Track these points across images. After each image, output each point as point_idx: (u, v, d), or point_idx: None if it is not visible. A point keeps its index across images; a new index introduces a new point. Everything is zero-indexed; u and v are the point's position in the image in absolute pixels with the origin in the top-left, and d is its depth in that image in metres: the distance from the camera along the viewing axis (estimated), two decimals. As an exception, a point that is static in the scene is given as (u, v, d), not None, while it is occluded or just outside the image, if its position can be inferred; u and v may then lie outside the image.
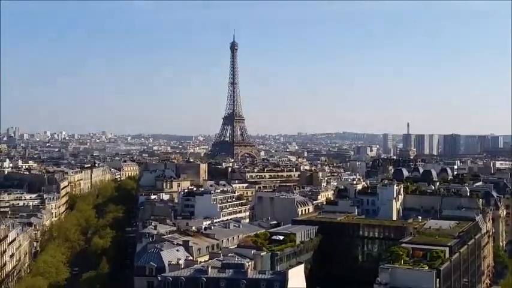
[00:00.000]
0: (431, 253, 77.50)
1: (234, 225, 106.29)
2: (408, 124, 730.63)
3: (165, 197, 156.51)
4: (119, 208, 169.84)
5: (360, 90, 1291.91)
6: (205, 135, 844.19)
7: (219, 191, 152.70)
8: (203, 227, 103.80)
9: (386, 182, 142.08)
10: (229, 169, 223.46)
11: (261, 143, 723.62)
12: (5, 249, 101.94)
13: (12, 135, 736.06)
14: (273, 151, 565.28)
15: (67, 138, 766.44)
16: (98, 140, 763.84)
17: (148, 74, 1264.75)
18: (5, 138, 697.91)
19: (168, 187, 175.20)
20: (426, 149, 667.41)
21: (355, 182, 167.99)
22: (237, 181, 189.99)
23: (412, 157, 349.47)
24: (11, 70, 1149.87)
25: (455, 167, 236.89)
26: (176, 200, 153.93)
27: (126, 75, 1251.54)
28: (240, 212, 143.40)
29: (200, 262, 74.67)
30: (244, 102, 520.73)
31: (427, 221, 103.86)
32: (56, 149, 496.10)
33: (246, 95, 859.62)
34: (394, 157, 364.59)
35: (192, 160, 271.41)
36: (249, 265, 71.70)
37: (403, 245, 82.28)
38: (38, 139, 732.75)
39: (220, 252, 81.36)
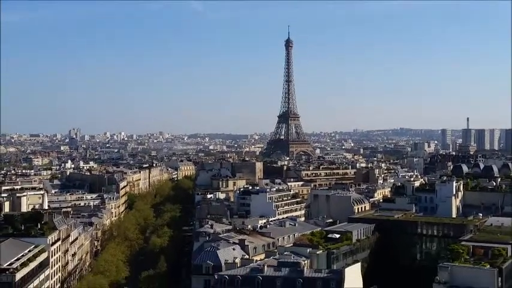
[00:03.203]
0: (493, 251, 75.19)
1: (290, 224, 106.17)
2: (468, 119, 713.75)
3: (221, 196, 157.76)
4: (176, 207, 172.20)
5: (416, 85, 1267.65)
6: (260, 133, 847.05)
7: (274, 189, 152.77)
8: (259, 225, 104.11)
9: (445, 178, 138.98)
10: (285, 167, 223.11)
11: (316, 141, 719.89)
12: (67, 248, 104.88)
13: (74, 137, 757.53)
14: (329, 149, 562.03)
15: (126, 139, 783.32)
16: (155, 140, 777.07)
17: (201, 74, 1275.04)
18: (67, 140, 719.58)
19: (224, 186, 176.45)
20: (487, 144, 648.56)
21: (412, 179, 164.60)
22: (292, 179, 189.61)
23: (472, 153, 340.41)
24: (75, 73, 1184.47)
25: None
26: (232, 199, 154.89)
27: (180, 76, 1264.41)
28: (296, 210, 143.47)
29: (256, 261, 74.77)
30: (299, 100, 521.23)
31: (488, 218, 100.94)
32: (116, 150, 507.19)
33: (301, 93, 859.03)
34: (453, 153, 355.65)
35: (247, 159, 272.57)
36: (305, 264, 71.43)
37: (463, 243, 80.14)
38: (98, 140, 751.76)
39: (276, 250, 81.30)
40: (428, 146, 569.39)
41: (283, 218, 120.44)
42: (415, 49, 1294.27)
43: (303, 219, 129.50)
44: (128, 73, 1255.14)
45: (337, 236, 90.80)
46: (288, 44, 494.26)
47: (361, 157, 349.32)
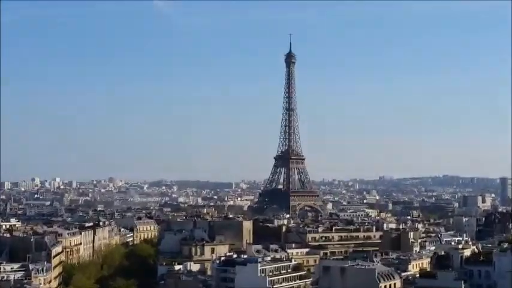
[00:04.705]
0: None
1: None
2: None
3: (194, 267, 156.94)
4: (131, 283, 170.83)
5: (467, 117, 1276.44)
6: (249, 181, 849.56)
7: (268, 258, 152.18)
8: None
9: (506, 246, 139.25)
10: (284, 228, 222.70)
11: (328, 192, 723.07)
12: None
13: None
14: (345, 203, 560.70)
15: (62, 187, 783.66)
16: (103, 190, 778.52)
17: (166, 99, 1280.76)
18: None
19: (199, 254, 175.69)
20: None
21: (461, 246, 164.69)
22: (294, 245, 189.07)
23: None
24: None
25: None
26: (209, 272, 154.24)
27: (137, 103, 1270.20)
28: (299, 287, 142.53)
29: None
30: (304, 136, 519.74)
31: None
32: (47, 203, 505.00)
33: (307, 126, 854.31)
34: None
35: (231, 216, 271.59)
36: None
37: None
38: (23, 189, 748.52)
39: None
40: (483, 201, 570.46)
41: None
42: (466, 69, 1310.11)
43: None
44: (66, 96, 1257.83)
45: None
46: (290, 59, 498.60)
47: (389, 215, 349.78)
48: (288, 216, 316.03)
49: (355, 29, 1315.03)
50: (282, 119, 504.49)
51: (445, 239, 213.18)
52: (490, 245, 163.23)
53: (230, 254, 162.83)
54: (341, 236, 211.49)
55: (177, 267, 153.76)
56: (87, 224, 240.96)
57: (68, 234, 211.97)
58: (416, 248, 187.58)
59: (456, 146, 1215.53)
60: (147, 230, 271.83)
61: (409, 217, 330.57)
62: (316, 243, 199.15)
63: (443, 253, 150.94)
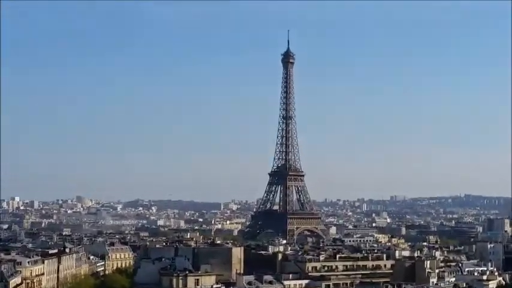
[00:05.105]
0: None
1: None
2: None
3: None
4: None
5: (491, 130, 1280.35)
6: (240, 201, 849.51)
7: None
8: None
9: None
10: (280, 256, 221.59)
11: (331, 214, 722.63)
12: None
13: None
14: (351, 226, 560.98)
15: (22, 207, 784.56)
16: (70, 211, 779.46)
17: (144, 108, 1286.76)
18: None
19: (181, 286, 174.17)
20: None
21: (485, 277, 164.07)
22: (291, 276, 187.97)
23: None
24: None
25: None
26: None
27: (111, 111, 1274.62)
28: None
29: None
30: (303, 149, 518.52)
31: None
32: (5, 226, 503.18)
33: (306, 137, 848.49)
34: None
35: (219, 242, 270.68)
36: None
37: None
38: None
39: None
40: (511, 225, 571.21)
41: None
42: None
43: None
44: (27, 102, 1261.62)
45: None
46: (287, 59, 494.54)
47: (402, 240, 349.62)
48: (284, 242, 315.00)
49: (361, 26, 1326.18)
50: (279, 129, 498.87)
51: (467, 269, 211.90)
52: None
53: (217, 286, 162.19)
54: (346, 266, 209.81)
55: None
56: (51, 251, 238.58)
57: (28, 262, 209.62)
58: (434, 280, 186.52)
59: (480, 160, 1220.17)
60: (121, 257, 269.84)
61: (425, 243, 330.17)
62: (318, 274, 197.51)
63: (465, 285, 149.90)
